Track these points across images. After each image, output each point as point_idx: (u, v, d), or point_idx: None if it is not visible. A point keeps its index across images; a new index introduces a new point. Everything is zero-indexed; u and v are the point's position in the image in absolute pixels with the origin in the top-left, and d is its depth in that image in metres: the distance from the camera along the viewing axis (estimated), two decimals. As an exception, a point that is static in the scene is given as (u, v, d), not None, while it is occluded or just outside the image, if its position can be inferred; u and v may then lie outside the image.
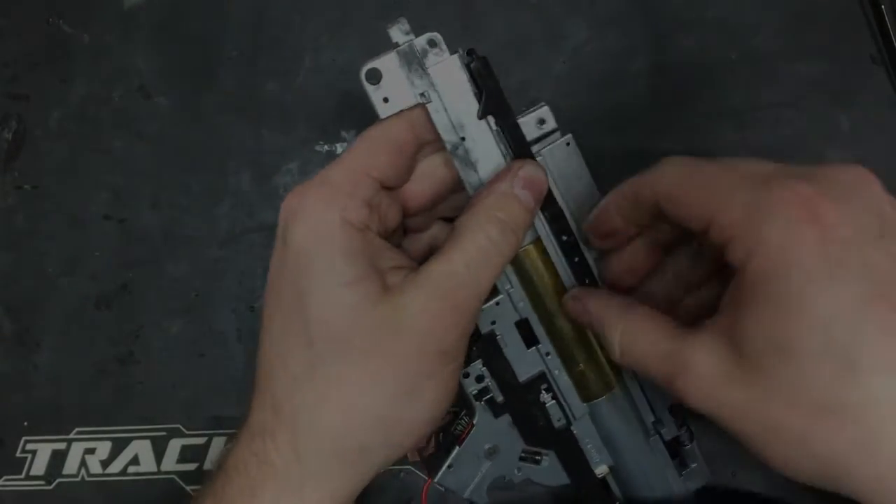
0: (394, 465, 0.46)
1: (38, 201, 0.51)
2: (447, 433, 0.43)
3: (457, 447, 0.40)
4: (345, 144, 0.51)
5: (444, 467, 0.40)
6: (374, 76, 0.33)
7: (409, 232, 0.38)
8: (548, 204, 0.36)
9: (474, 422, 0.39)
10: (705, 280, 0.36)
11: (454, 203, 0.38)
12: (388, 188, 0.34)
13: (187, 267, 0.50)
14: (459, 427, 0.41)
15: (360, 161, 0.33)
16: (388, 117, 0.33)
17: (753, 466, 0.45)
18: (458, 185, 0.37)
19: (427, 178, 0.36)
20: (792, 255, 0.25)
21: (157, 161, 0.51)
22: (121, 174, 0.51)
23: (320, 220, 0.31)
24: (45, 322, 0.49)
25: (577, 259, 0.37)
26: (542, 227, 0.36)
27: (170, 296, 0.49)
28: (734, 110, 0.50)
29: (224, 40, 0.52)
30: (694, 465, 0.42)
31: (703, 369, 0.28)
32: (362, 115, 0.34)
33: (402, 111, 0.33)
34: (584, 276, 0.37)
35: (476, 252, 0.32)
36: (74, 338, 0.49)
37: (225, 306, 0.49)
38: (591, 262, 0.37)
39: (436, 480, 0.40)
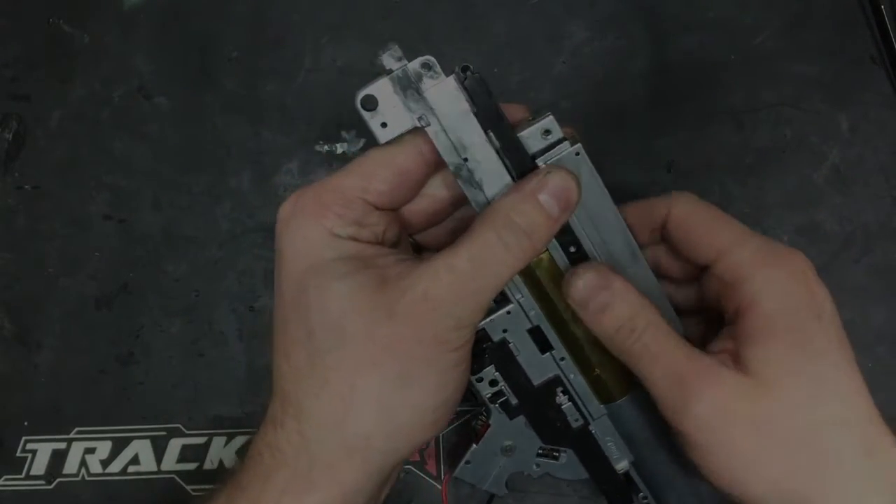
0: (394, 464, 0.46)
1: (38, 201, 0.51)
2: (467, 425, 0.43)
3: (473, 445, 0.40)
4: (345, 145, 0.51)
5: (461, 463, 0.41)
6: (370, 102, 0.32)
7: (423, 248, 0.39)
8: None
9: (490, 422, 0.40)
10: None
11: (463, 216, 0.38)
12: (388, 209, 0.35)
13: (187, 267, 0.50)
14: (479, 422, 0.41)
15: (354, 183, 0.33)
16: (394, 142, 0.33)
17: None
18: (459, 202, 0.36)
19: (425, 197, 0.36)
20: (797, 300, 0.32)
21: (157, 161, 0.51)
22: (121, 174, 0.51)
23: (310, 232, 0.33)
24: (45, 322, 0.49)
25: None
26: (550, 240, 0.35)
27: (170, 296, 0.49)
28: (734, 110, 0.50)
29: (224, 40, 0.52)
30: None
31: (722, 383, 0.32)
32: (371, 134, 0.34)
33: (408, 136, 0.33)
34: None
35: (481, 249, 0.32)
36: (74, 338, 0.49)
37: (225, 306, 0.49)
38: None
39: (455, 475, 0.41)
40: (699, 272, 0.37)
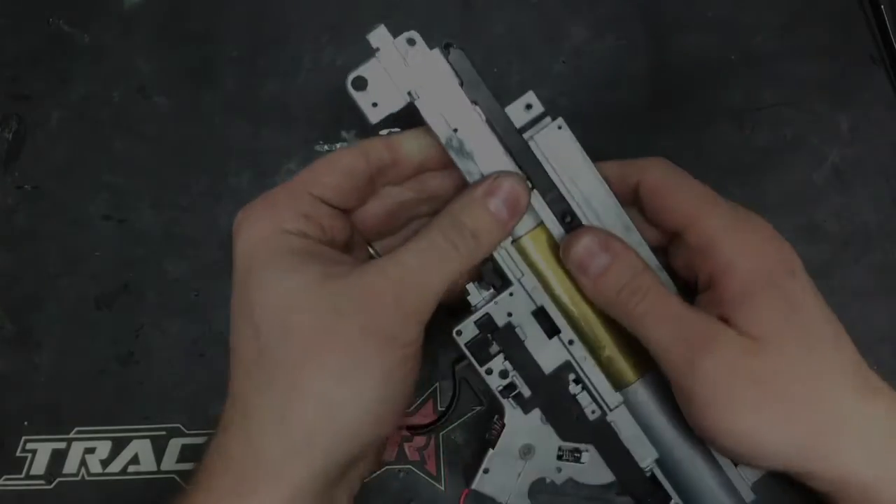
0: (394, 464, 0.46)
1: (38, 201, 0.51)
2: (481, 440, 0.42)
3: (490, 450, 0.39)
4: (345, 144, 0.51)
5: (479, 472, 0.39)
6: (360, 84, 0.34)
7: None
8: (546, 188, 0.36)
9: (505, 420, 0.38)
10: None
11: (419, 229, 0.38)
12: (339, 209, 0.36)
13: (187, 267, 0.50)
14: (494, 428, 0.40)
15: (301, 179, 0.35)
16: (343, 148, 0.35)
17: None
18: (411, 205, 0.38)
19: (378, 198, 0.38)
20: (770, 260, 0.33)
21: (157, 161, 0.51)
22: (121, 174, 0.51)
23: (260, 229, 0.34)
24: (45, 322, 0.49)
25: None
26: (544, 210, 0.36)
27: (170, 296, 0.49)
28: (734, 110, 0.50)
29: (224, 40, 0.52)
30: None
31: (727, 341, 0.33)
32: (362, 115, 0.34)
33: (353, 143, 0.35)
34: None
35: (428, 247, 0.33)
36: (74, 338, 0.49)
37: (225, 306, 0.48)
38: None
39: (473, 487, 0.39)
40: (669, 239, 0.38)
